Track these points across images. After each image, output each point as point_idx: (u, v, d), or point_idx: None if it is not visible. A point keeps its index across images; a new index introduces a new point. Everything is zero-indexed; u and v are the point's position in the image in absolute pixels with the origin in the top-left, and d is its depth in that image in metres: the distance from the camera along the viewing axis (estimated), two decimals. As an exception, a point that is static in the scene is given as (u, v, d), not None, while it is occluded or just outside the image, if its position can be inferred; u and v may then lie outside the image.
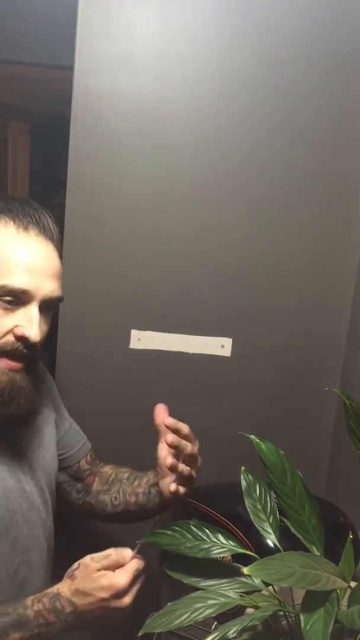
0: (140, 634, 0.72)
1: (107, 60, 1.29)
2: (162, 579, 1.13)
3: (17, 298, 0.80)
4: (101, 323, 1.40)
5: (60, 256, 0.87)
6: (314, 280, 1.41)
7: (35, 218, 0.83)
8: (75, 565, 0.82)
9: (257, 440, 0.80)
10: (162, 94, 1.31)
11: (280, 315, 1.42)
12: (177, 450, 0.93)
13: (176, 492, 0.94)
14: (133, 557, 0.82)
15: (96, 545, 0.87)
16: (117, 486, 1.07)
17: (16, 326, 0.81)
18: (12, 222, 0.81)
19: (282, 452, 0.80)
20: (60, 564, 0.93)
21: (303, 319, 1.43)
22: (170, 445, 0.92)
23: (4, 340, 0.81)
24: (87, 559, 0.81)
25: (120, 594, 0.79)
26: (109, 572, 0.80)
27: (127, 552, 0.82)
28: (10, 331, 0.81)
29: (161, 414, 0.99)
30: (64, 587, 0.81)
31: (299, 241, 1.39)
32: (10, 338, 0.81)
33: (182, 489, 0.94)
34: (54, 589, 0.81)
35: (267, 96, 1.33)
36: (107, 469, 1.12)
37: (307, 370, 1.45)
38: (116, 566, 0.81)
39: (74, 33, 1.28)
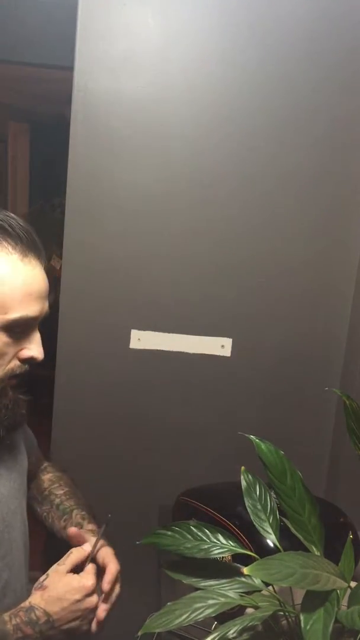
0: (140, 633, 0.72)
1: (107, 60, 1.29)
2: (162, 579, 1.13)
3: (27, 326, 0.82)
4: (101, 323, 1.40)
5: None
6: (314, 281, 1.41)
7: (30, 239, 0.83)
8: (43, 577, 0.85)
9: (257, 440, 0.80)
10: (162, 94, 1.31)
11: (280, 315, 1.42)
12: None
13: None
14: (94, 548, 0.88)
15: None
16: (47, 507, 1.08)
17: (21, 349, 0.83)
18: (11, 249, 0.80)
19: (282, 452, 0.80)
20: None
21: (303, 319, 1.43)
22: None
23: (11, 365, 0.83)
24: (54, 566, 0.85)
25: (90, 593, 0.83)
26: (75, 575, 0.84)
27: (85, 546, 0.88)
28: (15, 355, 0.83)
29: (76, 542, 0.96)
30: (35, 599, 0.83)
31: (299, 241, 1.39)
32: (16, 362, 0.83)
33: None
34: (26, 603, 0.83)
35: (267, 96, 1.33)
36: (45, 478, 1.12)
37: (307, 370, 1.45)
38: (80, 562, 0.86)
39: (74, 33, 1.28)
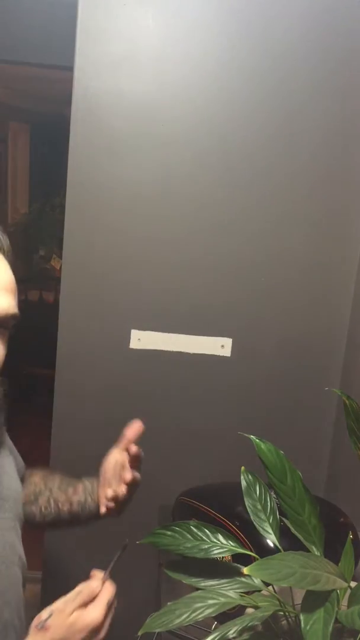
0: (140, 633, 0.72)
1: (107, 60, 1.29)
2: (162, 579, 1.13)
3: None
4: (101, 323, 1.40)
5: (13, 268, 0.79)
6: (314, 281, 1.41)
7: None
8: (46, 614, 0.76)
9: (257, 440, 0.80)
10: (162, 93, 1.31)
11: (280, 315, 1.42)
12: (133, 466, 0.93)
13: (115, 498, 0.93)
14: (104, 582, 0.78)
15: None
16: (46, 496, 1.03)
17: None
18: None
19: (282, 452, 0.80)
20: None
21: (303, 319, 1.43)
22: (134, 456, 0.94)
23: None
24: (60, 604, 0.76)
25: (97, 627, 0.75)
26: (82, 612, 0.75)
27: (95, 582, 0.78)
28: None
29: (135, 430, 0.99)
30: None
31: (299, 241, 1.39)
32: None
33: (121, 494, 0.94)
34: None
35: (267, 96, 1.33)
36: (36, 479, 1.07)
37: (307, 370, 1.45)
38: (89, 600, 0.77)
39: (74, 33, 1.28)
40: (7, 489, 0.90)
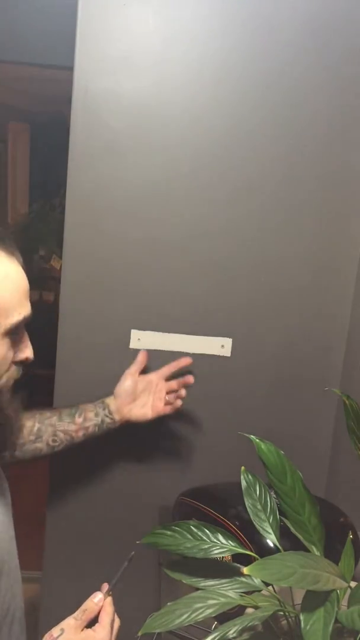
0: (140, 633, 0.72)
1: (107, 60, 1.29)
2: (162, 579, 1.13)
3: (22, 327, 0.80)
4: (101, 323, 1.40)
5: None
6: (314, 280, 1.41)
7: (9, 238, 0.80)
8: (57, 632, 0.79)
9: (257, 440, 0.80)
10: (162, 94, 1.31)
11: (280, 315, 1.42)
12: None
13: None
14: (106, 597, 0.83)
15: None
16: (50, 430, 1.12)
17: (15, 352, 0.80)
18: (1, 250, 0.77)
19: (282, 452, 0.80)
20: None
21: (303, 319, 1.43)
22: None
23: (12, 371, 0.81)
24: (71, 621, 0.80)
25: None
26: (90, 631, 0.80)
27: (97, 598, 0.83)
28: (12, 360, 0.80)
29: (184, 362, 1.31)
30: None
31: (299, 241, 1.39)
32: (13, 367, 0.81)
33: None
34: None
35: (267, 97, 1.33)
36: (26, 422, 1.12)
37: (307, 370, 1.45)
38: (94, 616, 0.82)
39: (74, 33, 1.28)
40: (4, 482, 0.92)
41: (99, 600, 0.82)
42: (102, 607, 0.82)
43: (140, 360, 1.28)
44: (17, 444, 1.10)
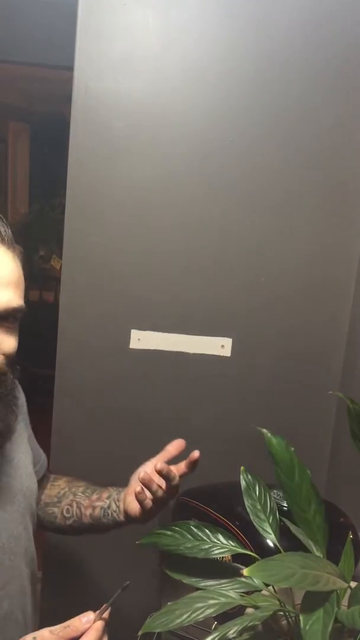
0: (140, 633, 0.72)
1: (107, 60, 1.29)
2: (162, 579, 1.13)
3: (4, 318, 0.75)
4: (101, 323, 1.40)
5: (21, 260, 0.81)
6: (314, 280, 1.41)
7: (3, 226, 0.77)
8: (29, 639, 0.72)
9: (269, 435, 0.80)
10: (162, 94, 1.31)
11: (280, 315, 1.42)
12: (165, 479, 0.89)
13: (143, 499, 0.90)
14: (95, 621, 0.73)
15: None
16: (70, 499, 1.04)
17: None
18: None
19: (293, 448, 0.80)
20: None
21: (303, 319, 1.43)
22: (192, 461, 0.91)
23: None
24: (45, 632, 0.72)
25: None
26: None
27: (84, 620, 0.72)
28: None
29: (177, 446, 0.98)
30: None
31: (299, 241, 1.39)
32: None
33: (149, 503, 0.91)
34: None
35: (267, 96, 1.33)
36: (61, 483, 1.08)
37: (307, 371, 1.45)
38: (76, 635, 0.72)
39: (74, 33, 1.28)
40: (19, 484, 0.90)
41: (87, 622, 0.72)
42: (87, 629, 0.72)
43: (170, 451, 0.99)
44: (40, 497, 1.04)
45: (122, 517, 0.98)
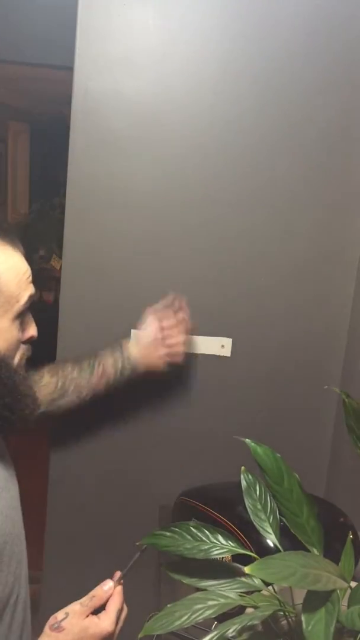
0: (140, 636, 0.72)
1: (107, 60, 1.29)
2: (162, 580, 1.13)
3: (28, 309, 0.84)
4: (101, 323, 1.40)
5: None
6: (313, 281, 1.41)
7: (10, 229, 0.87)
8: (62, 615, 0.79)
9: (253, 444, 0.80)
10: (162, 94, 1.31)
11: (280, 315, 1.42)
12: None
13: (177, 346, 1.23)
14: (116, 586, 0.82)
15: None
16: (73, 384, 1.14)
17: (23, 332, 0.85)
18: (4, 241, 0.82)
19: (279, 455, 0.80)
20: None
21: (303, 319, 1.43)
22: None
23: (23, 350, 0.85)
24: (76, 606, 0.80)
25: (108, 636, 0.79)
26: (95, 619, 0.79)
27: (107, 586, 0.81)
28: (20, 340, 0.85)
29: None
30: None
31: (299, 241, 1.39)
32: (23, 346, 0.86)
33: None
34: None
35: (268, 96, 1.33)
36: (49, 379, 1.15)
37: (307, 370, 1.45)
38: (102, 603, 0.80)
39: (74, 33, 1.28)
40: (11, 467, 0.93)
41: (109, 589, 0.81)
42: (110, 595, 0.80)
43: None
44: (44, 401, 1.11)
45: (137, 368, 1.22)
